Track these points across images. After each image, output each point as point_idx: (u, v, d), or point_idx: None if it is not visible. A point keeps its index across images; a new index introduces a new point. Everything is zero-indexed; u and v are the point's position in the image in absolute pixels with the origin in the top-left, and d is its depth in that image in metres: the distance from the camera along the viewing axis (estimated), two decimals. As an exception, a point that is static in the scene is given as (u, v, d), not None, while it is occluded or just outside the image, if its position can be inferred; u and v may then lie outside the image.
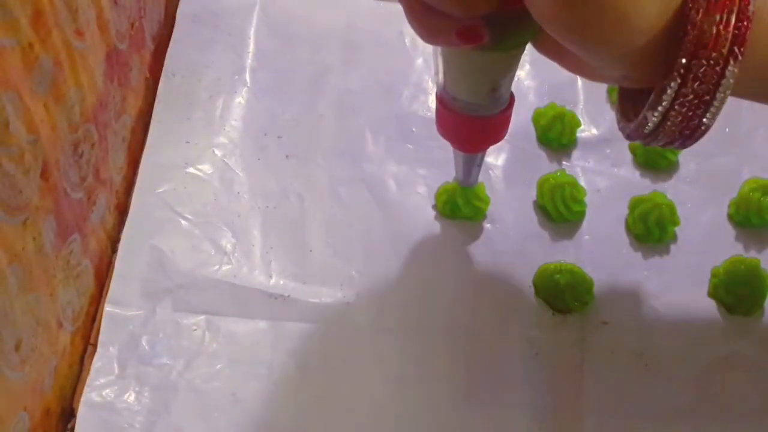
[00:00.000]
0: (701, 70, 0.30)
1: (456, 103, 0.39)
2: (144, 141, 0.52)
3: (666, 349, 0.48)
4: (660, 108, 0.31)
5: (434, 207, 0.52)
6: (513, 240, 0.51)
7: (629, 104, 0.35)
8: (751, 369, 0.47)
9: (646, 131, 0.33)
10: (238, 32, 0.57)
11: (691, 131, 0.32)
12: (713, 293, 0.50)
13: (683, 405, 0.46)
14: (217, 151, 0.52)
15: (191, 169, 0.52)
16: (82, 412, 0.43)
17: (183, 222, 0.50)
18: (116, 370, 0.45)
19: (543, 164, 0.54)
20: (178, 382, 0.45)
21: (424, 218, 0.51)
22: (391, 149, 0.54)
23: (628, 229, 0.52)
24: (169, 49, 0.56)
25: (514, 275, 0.50)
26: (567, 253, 0.51)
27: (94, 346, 0.45)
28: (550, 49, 0.36)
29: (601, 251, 0.51)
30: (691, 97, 0.30)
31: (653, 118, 0.32)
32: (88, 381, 0.44)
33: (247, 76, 0.56)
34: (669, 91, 0.30)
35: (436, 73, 0.39)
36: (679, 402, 0.46)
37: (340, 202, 0.52)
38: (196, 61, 0.56)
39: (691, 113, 0.31)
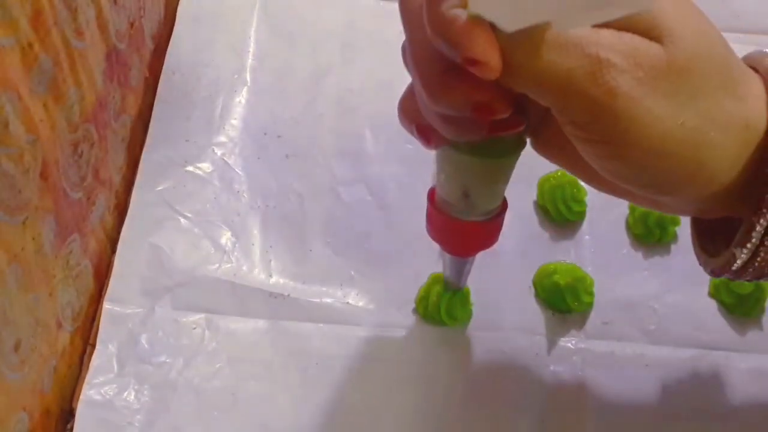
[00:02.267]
0: None
1: (439, 201, 0.37)
2: (143, 141, 0.52)
3: (667, 350, 0.48)
4: (749, 245, 0.29)
5: (434, 206, 0.52)
6: (513, 240, 0.51)
7: (707, 237, 0.33)
8: (753, 369, 0.47)
9: (734, 268, 0.31)
10: (238, 31, 0.57)
11: None
12: (714, 293, 0.50)
13: (684, 405, 0.46)
14: (216, 150, 0.52)
15: (191, 168, 0.51)
16: (81, 410, 0.43)
17: (182, 220, 0.50)
18: (115, 368, 0.45)
19: (543, 164, 0.54)
20: (177, 380, 0.45)
21: (424, 217, 0.51)
22: (392, 149, 0.54)
23: (629, 229, 0.52)
24: (168, 49, 0.56)
25: (515, 275, 0.50)
26: (567, 253, 0.50)
27: (94, 346, 0.45)
28: (558, 155, 0.34)
29: (601, 251, 0.51)
30: None
31: (742, 255, 0.30)
32: (87, 379, 0.44)
33: (247, 76, 0.56)
34: (758, 228, 0.29)
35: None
36: (679, 402, 0.46)
37: (340, 202, 0.51)
38: (195, 61, 0.56)
39: None
